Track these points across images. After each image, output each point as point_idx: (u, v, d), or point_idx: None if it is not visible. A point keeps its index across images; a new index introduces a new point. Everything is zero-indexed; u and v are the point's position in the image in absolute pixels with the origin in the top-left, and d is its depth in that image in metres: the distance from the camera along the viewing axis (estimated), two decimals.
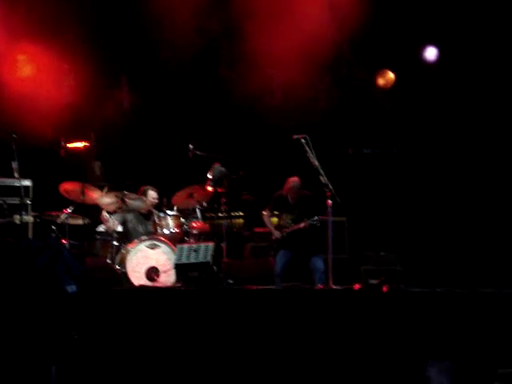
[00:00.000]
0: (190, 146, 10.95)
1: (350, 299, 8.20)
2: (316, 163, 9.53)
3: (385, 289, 8.43)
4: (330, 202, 9.43)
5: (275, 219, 11.02)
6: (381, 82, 13.33)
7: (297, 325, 7.88)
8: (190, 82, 12.89)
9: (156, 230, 10.57)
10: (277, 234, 10.66)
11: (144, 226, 10.68)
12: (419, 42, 12.95)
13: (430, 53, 13.08)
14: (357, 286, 8.94)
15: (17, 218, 9.77)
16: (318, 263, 10.47)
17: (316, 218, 10.25)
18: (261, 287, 8.66)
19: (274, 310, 7.97)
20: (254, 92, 12.50)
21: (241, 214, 12.01)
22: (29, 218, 10.22)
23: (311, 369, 7.71)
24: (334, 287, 9.15)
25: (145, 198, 10.74)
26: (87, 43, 12.05)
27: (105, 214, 10.53)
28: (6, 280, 8.00)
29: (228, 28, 12.45)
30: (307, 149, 9.55)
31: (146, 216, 10.72)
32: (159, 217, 10.61)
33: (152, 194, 10.81)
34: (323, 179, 9.48)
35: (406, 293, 8.42)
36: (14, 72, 11.81)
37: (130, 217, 10.63)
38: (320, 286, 9.89)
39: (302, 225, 10.41)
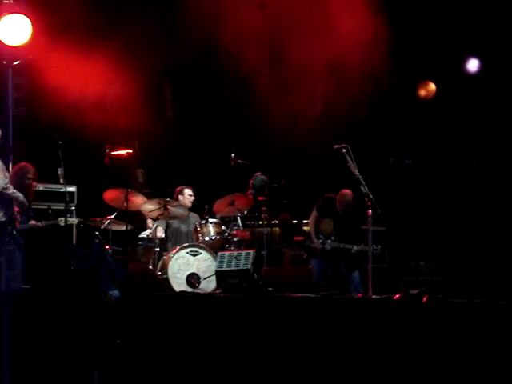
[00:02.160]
0: (232, 155, 11.05)
1: (390, 309, 8.17)
2: (357, 173, 9.54)
3: (424, 299, 8.39)
4: (370, 211, 9.45)
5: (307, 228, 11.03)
6: (422, 92, 13.32)
7: (335, 333, 7.86)
8: (233, 92, 12.97)
9: (197, 236, 10.69)
10: (316, 244, 10.65)
11: (186, 226, 10.83)
12: (461, 53, 12.91)
13: (473, 64, 13.04)
14: (396, 296, 8.91)
15: (61, 221, 9.89)
16: (354, 274, 10.48)
17: (379, 246, 10.12)
18: (300, 295, 8.67)
19: (313, 318, 7.96)
20: (295, 102, 12.54)
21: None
22: (73, 220, 10.38)
23: (351, 377, 7.70)
24: (374, 297, 9.16)
25: (181, 199, 10.90)
26: (133, 51, 12.16)
27: (150, 221, 10.72)
28: (50, 284, 8.13)
29: (269, 38, 12.51)
30: (348, 159, 9.56)
31: (187, 218, 10.89)
32: (200, 224, 10.73)
33: (188, 192, 11.01)
34: (364, 189, 9.48)
35: (445, 303, 8.37)
36: (60, 80, 11.95)
37: (172, 220, 10.81)
38: (359, 294, 9.90)
39: (355, 248, 10.33)
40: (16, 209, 9.25)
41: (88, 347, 7.37)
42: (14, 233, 9.16)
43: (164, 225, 10.82)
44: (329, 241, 10.57)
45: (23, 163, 9.91)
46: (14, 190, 9.20)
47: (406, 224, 12.36)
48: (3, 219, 9.11)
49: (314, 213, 10.75)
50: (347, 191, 10.56)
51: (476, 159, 12.59)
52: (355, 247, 10.29)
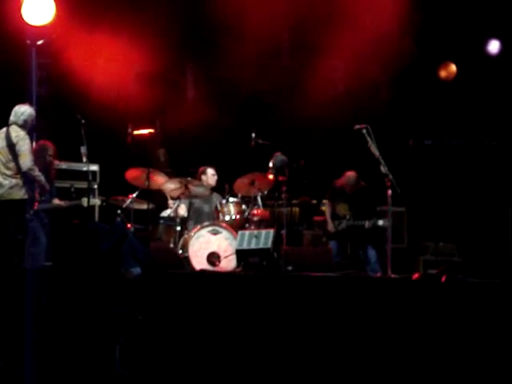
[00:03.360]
0: (253, 135, 11.09)
1: (409, 288, 8.22)
2: (377, 153, 9.58)
3: (443, 279, 8.43)
4: (390, 191, 9.49)
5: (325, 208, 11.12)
6: (443, 74, 13.30)
7: (355, 312, 7.93)
8: (254, 71, 12.99)
9: (218, 215, 10.77)
10: (330, 227, 10.74)
11: (208, 206, 10.93)
12: (482, 34, 12.86)
13: (493, 46, 13.00)
14: (415, 276, 8.96)
15: (84, 201, 9.98)
16: (371, 254, 10.54)
17: (388, 219, 10.12)
18: (319, 274, 8.73)
19: (333, 297, 8.01)
20: (316, 82, 12.54)
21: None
22: (96, 201, 10.41)
23: (369, 355, 7.76)
24: (393, 276, 9.22)
25: (205, 178, 10.99)
26: (155, 30, 12.20)
27: (171, 201, 10.81)
28: (73, 261, 8.22)
29: (292, 19, 12.50)
30: (368, 139, 9.60)
31: (209, 198, 10.97)
32: (221, 203, 10.81)
33: (211, 171, 11.13)
34: (384, 169, 9.53)
35: (464, 283, 8.41)
36: (82, 59, 12.01)
37: (195, 199, 10.87)
38: (378, 274, 9.96)
39: (367, 224, 10.44)
40: (37, 190, 9.35)
41: (110, 324, 7.44)
42: (32, 212, 9.27)
43: (187, 203, 10.93)
44: (344, 221, 10.67)
45: (42, 141, 9.97)
46: (39, 173, 9.30)
47: (426, 204, 12.39)
48: (25, 197, 9.23)
49: (327, 201, 10.92)
50: (350, 173, 10.70)
51: (496, 140, 12.59)
52: (367, 222, 10.37)
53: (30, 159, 9.19)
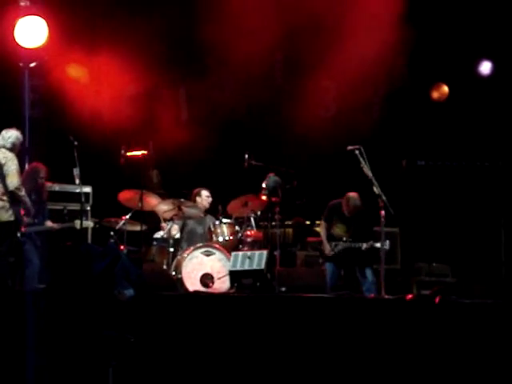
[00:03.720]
0: (246, 156, 11.12)
1: (402, 309, 8.21)
2: (370, 174, 9.60)
3: (437, 300, 8.44)
4: (383, 212, 9.50)
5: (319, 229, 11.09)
6: (435, 95, 13.36)
7: (349, 333, 7.92)
8: (246, 93, 13.04)
9: (211, 237, 10.77)
10: (327, 250, 10.66)
11: (202, 228, 10.93)
12: (474, 55, 12.94)
13: (485, 67, 13.07)
14: (409, 297, 8.95)
15: (77, 223, 9.98)
16: (366, 274, 10.52)
17: (387, 242, 10.10)
18: (313, 295, 8.72)
19: (326, 318, 8.01)
20: (309, 103, 12.58)
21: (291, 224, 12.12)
22: (89, 223, 10.43)
23: (363, 376, 7.75)
24: (386, 297, 9.21)
25: (199, 200, 11.01)
26: (147, 54, 12.25)
27: (164, 224, 10.81)
28: (65, 283, 8.19)
29: (285, 40, 12.55)
30: (361, 160, 9.63)
31: (203, 219, 10.97)
32: (214, 224, 10.81)
33: (205, 193, 11.13)
34: (377, 190, 9.54)
35: (457, 304, 8.42)
36: (75, 81, 12.04)
37: (188, 221, 10.89)
38: (372, 295, 9.95)
39: (364, 246, 10.36)
40: (22, 211, 9.33)
41: (102, 346, 7.40)
42: (18, 235, 9.26)
43: (180, 225, 10.93)
44: (340, 242, 10.62)
45: (34, 163, 10.03)
46: (25, 194, 9.31)
47: (419, 225, 12.40)
48: (11, 219, 9.23)
49: (322, 222, 10.85)
50: (353, 194, 10.60)
51: (488, 161, 12.63)
52: (364, 245, 10.33)
53: (17, 179, 9.21)
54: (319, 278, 10.24)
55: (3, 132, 9.45)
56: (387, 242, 10.05)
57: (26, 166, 9.99)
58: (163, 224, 10.98)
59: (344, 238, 10.61)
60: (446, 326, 7.92)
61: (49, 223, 9.97)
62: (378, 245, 10.06)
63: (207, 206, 11.17)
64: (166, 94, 12.62)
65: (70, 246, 9.40)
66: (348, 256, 10.58)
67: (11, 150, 9.32)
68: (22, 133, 9.62)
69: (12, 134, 9.39)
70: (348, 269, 10.76)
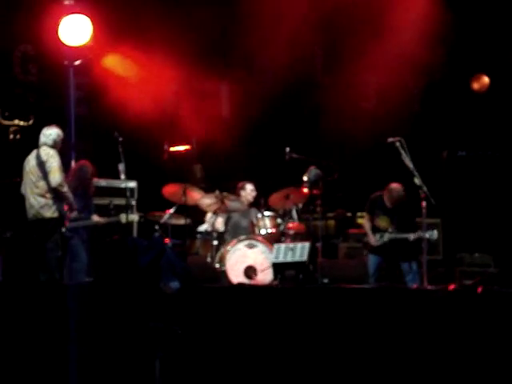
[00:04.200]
0: (287, 149, 11.19)
1: (445, 299, 8.22)
2: (410, 165, 9.60)
3: (479, 290, 8.42)
4: (424, 203, 9.52)
5: (361, 220, 11.11)
6: (476, 85, 13.31)
7: (391, 324, 7.94)
8: (287, 88, 13.10)
9: (254, 230, 10.88)
10: (373, 240, 10.72)
11: (246, 221, 11.03)
12: None
13: None
14: (451, 287, 8.94)
15: (123, 218, 10.13)
16: (410, 264, 10.52)
17: (435, 232, 10.13)
18: (355, 286, 8.75)
19: (369, 309, 8.04)
20: (349, 97, 12.61)
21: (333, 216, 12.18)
22: (134, 217, 10.56)
23: (409, 367, 7.77)
24: (429, 287, 9.22)
25: (244, 194, 11.11)
26: (190, 50, 12.35)
27: (210, 215, 10.93)
28: (112, 276, 8.34)
29: (325, 34, 12.59)
30: (402, 151, 9.65)
31: (247, 212, 11.07)
32: (257, 217, 10.91)
33: (249, 187, 11.20)
34: (418, 181, 9.54)
35: (500, 294, 8.39)
36: (120, 77, 12.17)
37: (233, 214, 11.01)
38: (414, 285, 9.97)
39: (412, 237, 10.33)
40: (66, 207, 9.51)
41: (149, 337, 7.52)
42: (63, 230, 9.45)
43: (224, 218, 11.05)
44: (386, 234, 10.63)
45: (81, 162, 10.15)
46: (68, 190, 9.47)
47: (461, 215, 12.36)
48: (55, 215, 9.41)
49: (366, 215, 10.85)
50: (396, 185, 10.59)
51: None
52: (412, 235, 10.34)
53: (59, 176, 9.38)
54: (361, 269, 10.31)
55: (44, 129, 9.62)
56: (435, 231, 10.06)
57: (73, 162, 10.17)
58: (208, 216, 11.09)
59: (389, 230, 10.62)
60: (489, 316, 7.89)
61: (95, 218, 10.10)
62: (427, 235, 10.05)
63: (251, 199, 11.25)
64: (209, 89, 12.72)
65: (116, 240, 9.56)
66: (393, 247, 10.59)
67: (52, 146, 9.49)
68: (69, 130, 9.79)
69: (53, 131, 9.56)
70: (391, 260, 10.78)
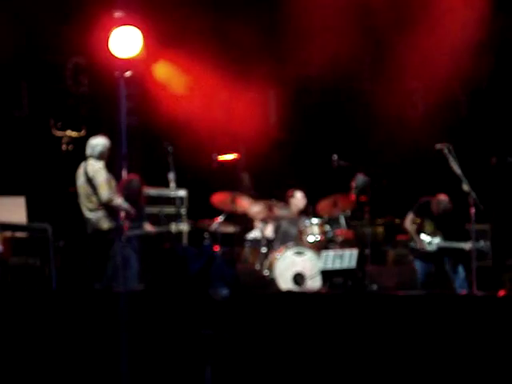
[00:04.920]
0: (334, 157, 11.22)
1: (494, 306, 8.18)
2: (459, 171, 9.60)
3: None
4: (473, 209, 9.49)
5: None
6: None
7: (441, 330, 7.93)
8: (334, 95, 13.14)
9: (302, 237, 10.93)
10: (422, 244, 10.64)
11: (295, 228, 11.06)
12: None
13: None
14: (501, 293, 8.90)
15: (173, 226, 10.25)
16: (459, 270, 10.49)
17: (485, 243, 10.18)
18: (404, 293, 8.74)
19: (418, 316, 8.03)
20: (396, 104, 12.59)
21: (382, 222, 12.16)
22: (184, 226, 10.68)
23: (459, 371, 7.74)
24: (478, 293, 9.18)
25: (293, 202, 11.16)
26: (239, 59, 12.45)
27: (258, 222, 11.01)
28: (163, 284, 8.45)
29: (371, 42, 12.60)
30: (450, 157, 9.64)
31: (296, 220, 11.11)
32: (305, 225, 10.95)
33: (299, 195, 11.25)
34: (466, 187, 9.54)
35: None
36: (170, 87, 12.31)
37: (282, 222, 11.07)
38: (463, 291, 9.93)
39: (467, 247, 10.24)
40: (122, 215, 9.61)
41: (200, 345, 7.58)
42: (123, 239, 9.54)
43: (274, 225, 11.11)
44: (436, 241, 10.60)
45: (130, 176, 10.13)
46: (118, 202, 9.54)
47: (510, 221, 12.26)
48: (112, 226, 9.55)
49: (411, 216, 10.80)
50: (443, 197, 10.58)
51: None
52: (467, 246, 10.25)
53: (106, 190, 9.48)
54: (410, 275, 10.28)
55: (90, 140, 9.72)
56: (487, 242, 10.10)
57: (124, 173, 10.29)
58: (257, 223, 11.16)
59: (438, 236, 10.58)
60: None
61: (147, 227, 10.20)
62: (482, 245, 10.06)
63: (301, 207, 11.27)
64: (256, 97, 12.80)
65: (167, 249, 9.69)
66: (441, 253, 10.56)
67: (99, 158, 9.58)
68: (120, 140, 9.92)
69: (99, 142, 9.63)
70: (438, 266, 10.75)
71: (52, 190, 11.39)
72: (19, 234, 10.64)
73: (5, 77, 12.27)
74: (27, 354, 7.50)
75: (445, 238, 10.49)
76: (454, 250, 10.35)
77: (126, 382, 7.29)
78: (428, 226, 10.67)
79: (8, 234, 10.53)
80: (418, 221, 10.73)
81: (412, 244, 10.78)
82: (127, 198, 9.76)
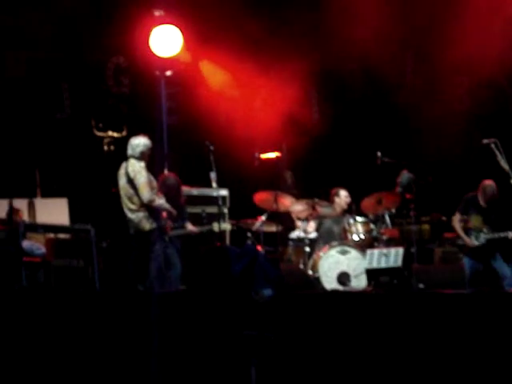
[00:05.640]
0: (378, 154, 11.10)
1: None
2: (506, 167, 9.46)
3: None
4: None
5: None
6: None
7: (491, 328, 7.79)
8: (377, 91, 13.02)
9: (346, 235, 10.81)
10: (469, 242, 10.49)
11: (339, 227, 10.96)
12: None
13: None
14: None
15: (215, 226, 10.21)
16: (505, 269, 10.32)
17: None
18: (452, 291, 8.61)
19: (467, 315, 7.91)
20: (442, 98, 12.45)
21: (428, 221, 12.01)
22: (226, 226, 10.64)
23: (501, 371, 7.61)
24: None
25: (338, 200, 11.04)
26: (279, 57, 12.38)
27: (299, 222, 10.93)
28: (206, 284, 8.41)
29: (415, 35, 12.46)
30: (497, 153, 9.49)
31: (340, 218, 11.00)
32: (349, 223, 10.84)
33: (343, 193, 11.14)
34: None
35: None
36: (209, 87, 12.30)
37: (325, 220, 10.95)
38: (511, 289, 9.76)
39: (511, 234, 10.13)
40: (164, 215, 9.59)
41: (244, 345, 7.55)
42: (166, 239, 9.55)
43: (316, 223, 11.02)
44: (482, 234, 10.44)
45: (165, 174, 10.18)
46: (161, 202, 9.50)
47: None
48: (154, 226, 9.51)
49: (457, 215, 10.66)
50: (489, 182, 10.41)
51: None
52: (511, 233, 10.12)
53: (147, 191, 9.42)
54: (458, 273, 10.13)
55: (131, 140, 9.66)
56: None
57: (166, 172, 10.27)
58: (298, 223, 11.10)
59: (484, 230, 10.43)
60: None
61: (189, 227, 10.19)
62: None
63: (345, 205, 11.16)
64: (298, 94, 12.72)
65: (210, 249, 9.63)
66: (490, 248, 10.40)
67: (140, 159, 9.52)
68: (161, 140, 9.90)
69: (140, 142, 9.56)
70: (487, 263, 10.57)
71: (94, 191, 11.42)
72: (62, 236, 10.73)
73: (46, 79, 12.35)
74: (70, 355, 7.53)
75: (492, 229, 10.32)
76: (503, 242, 10.16)
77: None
78: (475, 220, 10.51)
79: (51, 235, 10.62)
80: (465, 217, 10.55)
81: (460, 241, 10.61)
82: (165, 196, 9.71)
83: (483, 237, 10.42)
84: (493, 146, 9.52)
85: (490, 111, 12.75)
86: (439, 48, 12.20)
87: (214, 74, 12.10)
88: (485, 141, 9.60)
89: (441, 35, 12.03)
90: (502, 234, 10.24)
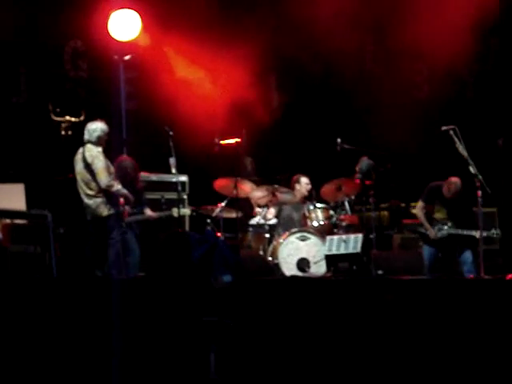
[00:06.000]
0: (338, 140, 11.12)
1: (502, 289, 8.11)
2: (465, 154, 9.50)
3: None
4: (480, 192, 9.38)
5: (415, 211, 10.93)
6: None
7: (449, 315, 7.86)
8: (337, 78, 13.02)
9: (306, 222, 10.81)
10: (433, 234, 10.53)
11: (298, 213, 10.94)
12: None
13: None
14: (509, 276, 8.83)
15: (175, 212, 10.14)
16: (467, 255, 10.39)
17: (496, 231, 10.14)
18: (410, 277, 8.67)
19: (425, 301, 7.97)
20: (401, 86, 12.48)
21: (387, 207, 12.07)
22: (186, 212, 10.57)
23: (462, 355, 7.67)
24: (486, 277, 9.10)
25: (298, 187, 11.01)
26: (239, 42, 12.33)
27: (258, 209, 10.91)
28: (165, 270, 8.36)
29: (375, 23, 12.48)
30: (456, 140, 9.54)
31: (299, 205, 10.97)
32: (309, 209, 10.85)
33: (305, 180, 11.13)
34: (473, 170, 9.43)
35: None
36: (170, 72, 12.20)
37: (284, 206, 10.93)
38: (471, 276, 9.84)
39: (478, 235, 10.04)
40: (121, 201, 9.48)
41: (203, 331, 7.53)
42: (123, 225, 9.46)
43: (276, 210, 11.00)
44: (445, 227, 10.49)
45: (120, 158, 10.02)
46: (118, 187, 9.42)
47: None
48: (111, 212, 9.44)
49: (420, 203, 10.68)
50: (455, 179, 10.44)
51: None
52: (477, 234, 10.03)
53: (105, 176, 9.37)
54: (416, 260, 10.18)
55: (88, 125, 9.60)
56: (498, 230, 10.12)
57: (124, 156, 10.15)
58: (257, 210, 11.08)
59: (448, 223, 10.46)
60: None
61: (148, 212, 10.10)
62: (494, 233, 10.02)
63: (306, 192, 11.15)
64: (258, 81, 12.68)
65: (168, 234, 9.57)
66: (451, 239, 10.46)
67: (97, 144, 9.46)
68: (120, 125, 9.80)
69: (97, 127, 9.50)
70: (447, 251, 10.64)
71: (51, 177, 11.26)
72: (19, 222, 10.57)
73: (3, 62, 12.15)
74: (27, 341, 7.44)
75: (456, 225, 10.37)
76: (467, 237, 10.23)
77: (118, 371, 7.24)
78: (439, 213, 10.55)
79: (7, 221, 10.46)
80: (429, 208, 10.58)
81: (422, 229, 10.64)
82: (121, 180, 9.61)
83: (446, 230, 10.47)
84: (451, 132, 9.55)
85: (449, 98, 12.83)
86: (399, 35, 12.21)
87: (171, 60, 12.00)
88: (443, 128, 9.63)
89: (400, 22, 12.06)
90: (467, 232, 10.28)
